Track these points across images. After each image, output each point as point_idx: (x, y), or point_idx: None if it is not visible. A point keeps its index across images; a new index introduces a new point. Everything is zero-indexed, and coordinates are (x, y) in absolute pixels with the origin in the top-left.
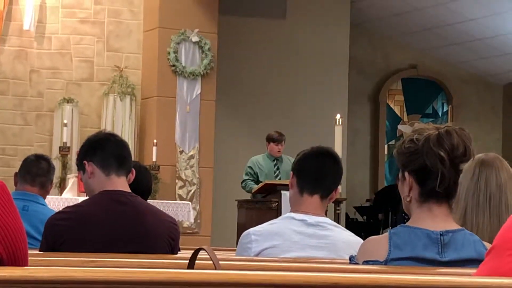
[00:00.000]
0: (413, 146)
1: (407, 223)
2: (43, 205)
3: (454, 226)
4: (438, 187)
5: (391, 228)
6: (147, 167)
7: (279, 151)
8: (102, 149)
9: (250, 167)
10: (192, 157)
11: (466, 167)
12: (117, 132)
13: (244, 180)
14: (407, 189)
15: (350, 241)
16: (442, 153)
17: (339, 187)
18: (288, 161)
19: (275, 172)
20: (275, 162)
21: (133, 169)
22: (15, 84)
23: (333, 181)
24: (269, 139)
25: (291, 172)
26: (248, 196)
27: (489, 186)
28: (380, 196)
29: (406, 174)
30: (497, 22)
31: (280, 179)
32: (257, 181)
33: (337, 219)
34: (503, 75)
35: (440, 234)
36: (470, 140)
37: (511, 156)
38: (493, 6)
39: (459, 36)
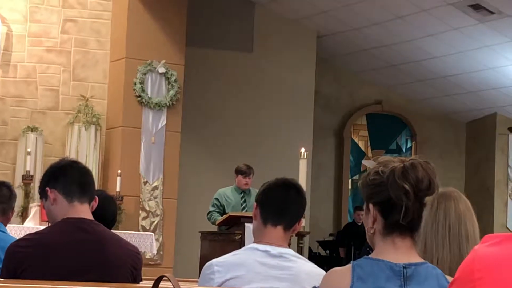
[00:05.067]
0: (378, 178)
1: (371, 255)
2: (4, 232)
3: (417, 259)
4: (402, 220)
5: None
6: (112, 196)
7: (246, 184)
8: (64, 176)
9: (216, 198)
10: (156, 188)
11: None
12: (81, 161)
13: (209, 212)
14: (371, 221)
15: (313, 272)
16: (406, 186)
17: (303, 220)
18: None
19: (242, 205)
20: (242, 195)
21: (96, 196)
22: None
23: (297, 213)
24: (237, 172)
25: (255, 203)
26: (211, 228)
27: (448, 217)
28: (343, 232)
29: (371, 206)
30: (461, 60)
31: (247, 212)
32: (223, 213)
33: (300, 253)
34: (466, 113)
35: (403, 267)
36: (435, 174)
37: (473, 193)
38: (458, 44)
39: (423, 73)
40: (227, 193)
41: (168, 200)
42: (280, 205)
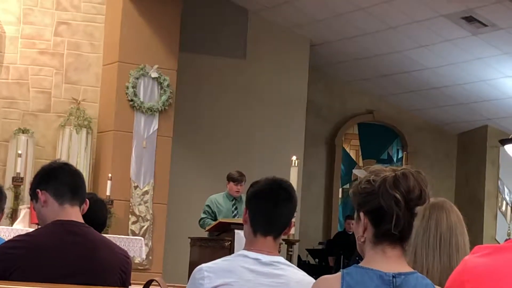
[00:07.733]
0: (369, 187)
1: (360, 264)
2: None
3: (407, 268)
4: (393, 229)
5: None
6: (103, 199)
7: (237, 191)
8: (56, 178)
9: (208, 205)
10: (146, 192)
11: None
12: (72, 164)
13: (202, 218)
14: (362, 229)
15: (303, 280)
16: (398, 195)
17: (293, 222)
18: None
19: (233, 212)
20: (233, 202)
21: (87, 199)
22: None
23: (287, 219)
24: (229, 179)
25: (245, 207)
26: (201, 234)
27: (440, 227)
28: (333, 241)
29: (361, 214)
30: (453, 72)
31: (238, 218)
32: (215, 220)
33: (289, 261)
34: (458, 124)
35: (393, 276)
36: (426, 184)
37: (463, 205)
38: (450, 56)
39: (416, 84)
40: (218, 200)
41: (158, 205)
42: (269, 216)
